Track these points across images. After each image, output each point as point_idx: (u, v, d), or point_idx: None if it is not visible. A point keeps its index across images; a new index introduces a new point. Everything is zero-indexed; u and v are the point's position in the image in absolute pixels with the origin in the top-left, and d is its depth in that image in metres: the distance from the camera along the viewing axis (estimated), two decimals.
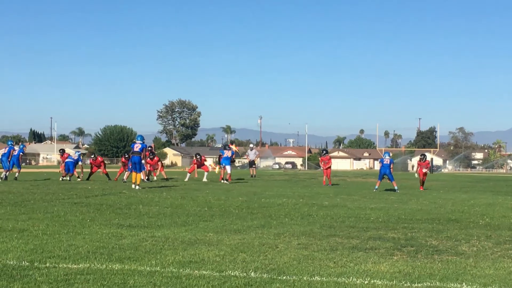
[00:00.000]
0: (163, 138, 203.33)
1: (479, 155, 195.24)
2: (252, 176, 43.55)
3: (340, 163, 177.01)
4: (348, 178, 53.88)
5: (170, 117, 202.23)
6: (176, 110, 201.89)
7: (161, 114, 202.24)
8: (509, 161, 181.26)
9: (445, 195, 28.21)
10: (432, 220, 15.96)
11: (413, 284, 7.87)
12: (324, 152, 40.11)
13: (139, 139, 28.17)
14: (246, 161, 44.39)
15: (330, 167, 37.74)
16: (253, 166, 46.15)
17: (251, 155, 45.81)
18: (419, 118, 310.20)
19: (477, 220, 16.26)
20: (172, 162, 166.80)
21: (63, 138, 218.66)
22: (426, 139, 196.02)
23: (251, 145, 47.05)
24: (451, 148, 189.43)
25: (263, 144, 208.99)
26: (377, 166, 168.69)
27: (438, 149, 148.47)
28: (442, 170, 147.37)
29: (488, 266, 9.39)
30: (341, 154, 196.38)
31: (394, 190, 30.66)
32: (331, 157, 39.58)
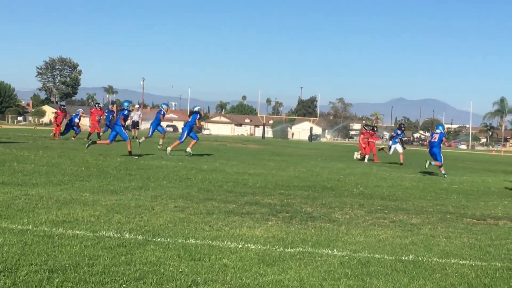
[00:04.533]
0: (42, 95, 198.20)
1: (357, 126, 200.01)
2: (133, 137, 42.97)
3: (222, 128, 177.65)
4: (228, 143, 54.10)
5: (50, 74, 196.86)
6: (57, 67, 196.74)
7: (40, 71, 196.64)
8: (385, 132, 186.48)
9: (322, 164, 28.77)
10: (308, 187, 16.25)
11: (286, 249, 8.00)
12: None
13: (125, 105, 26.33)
14: (127, 122, 43.56)
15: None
16: (136, 127, 45.54)
17: (135, 116, 45.22)
18: (301, 87, 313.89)
19: (351, 188, 16.68)
20: (50, 120, 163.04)
21: None
22: (306, 108, 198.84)
23: (136, 106, 46.36)
24: (331, 118, 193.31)
25: (145, 106, 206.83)
26: (258, 132, 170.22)
27: (318, 118, 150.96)
28: (321, 139, 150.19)
29: (359, 233, 9.65)
30: (223, 119, 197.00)
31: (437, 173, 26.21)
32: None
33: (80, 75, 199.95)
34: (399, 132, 35.20)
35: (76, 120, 39.70)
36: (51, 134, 39.32)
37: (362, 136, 36.18)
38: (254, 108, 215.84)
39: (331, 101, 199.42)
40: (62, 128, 39.59)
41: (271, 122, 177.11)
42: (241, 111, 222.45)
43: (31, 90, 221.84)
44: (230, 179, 17.02)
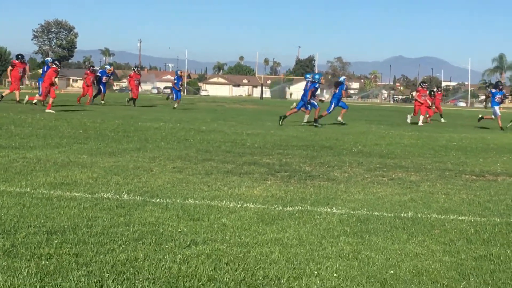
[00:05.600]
0: (39, 58, 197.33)
1: (355, 85, 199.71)
2: (130, 99, 42.67)
3: (220, 89, 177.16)
4: (226, 104, 54.06)
5: (46, 37, 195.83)
6: (53, 30, 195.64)
7: (36, 34, 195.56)
8: (383, 91, 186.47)
9: (321, 123, 28.71)
10: (307, 146, 16.23)
11: (285, 208, 8.00)
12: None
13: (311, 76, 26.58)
14: (125, 84, 43.34)
15: None
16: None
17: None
18: (299, 47, 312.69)
19: (350, 147, 16.66)
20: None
21: None
22: (304, 68, 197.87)
23: (134, 68, 45.78)
24: (329, 77, 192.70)
25: (142, 68, 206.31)
26: (256, 93, 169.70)
27: None
28: (319, 99, 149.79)
29: (358, 191, 9.65)
30: (221, 80, 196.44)
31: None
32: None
33: (76, 37, 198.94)
34: (494, 91, 31.61)
35: (105, 77, 38.36)
36: (87, 101, 36.86)
37: (417, 94, 34.04)
38: (252, 68, 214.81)
39: (329, 60, 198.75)
40: (95, 90, 38.14)
41: (269, 82, 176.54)
42: (238, 72, 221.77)
43: (27, 54, 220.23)
44: (228, 140, 17.00)
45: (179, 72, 40.59)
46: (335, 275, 5.34)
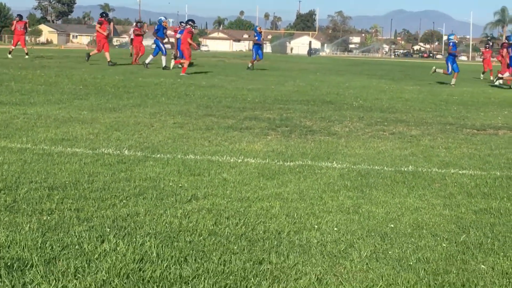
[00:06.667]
0: (38, 14, 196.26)
1: (356, 39, 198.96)
2: (131, 55, 42.37)
3: (220, 44, 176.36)
4: (226, 59, 53.84)
5: None
6: None
7: None
8: (384, 45, 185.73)
9: (321, 78, 28.67)
10: (308, 101, 16.20)
11: (285, 163, 8.00)
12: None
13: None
14: (126, 40, 42.49)
15: None
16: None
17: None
18: (299, 1, 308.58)
19: (351, 102, 16.64)
20: (47, 40, 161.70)
21: None
22: (305, 22, 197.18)
23: (134, 23, 45.08)
24: (330, 32, 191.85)
25: (142, 24, 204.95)
26: None
27: (317, 33, 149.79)
28: (320, 53, 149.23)
29: (358, 145, 9.65)
30: (221, 35, 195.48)
31: None
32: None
33: None
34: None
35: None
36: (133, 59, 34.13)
37: (504, 50, 30.32)
38: (253, 23, 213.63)
39: (330, 15, 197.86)
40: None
41: (269, 37, 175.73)
42: (239, 27, 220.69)
43: (26, 9, 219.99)
44: (229, 95, 16.97)
45: (258, 28, 37.02)
46: (335, 229, 5.35)
